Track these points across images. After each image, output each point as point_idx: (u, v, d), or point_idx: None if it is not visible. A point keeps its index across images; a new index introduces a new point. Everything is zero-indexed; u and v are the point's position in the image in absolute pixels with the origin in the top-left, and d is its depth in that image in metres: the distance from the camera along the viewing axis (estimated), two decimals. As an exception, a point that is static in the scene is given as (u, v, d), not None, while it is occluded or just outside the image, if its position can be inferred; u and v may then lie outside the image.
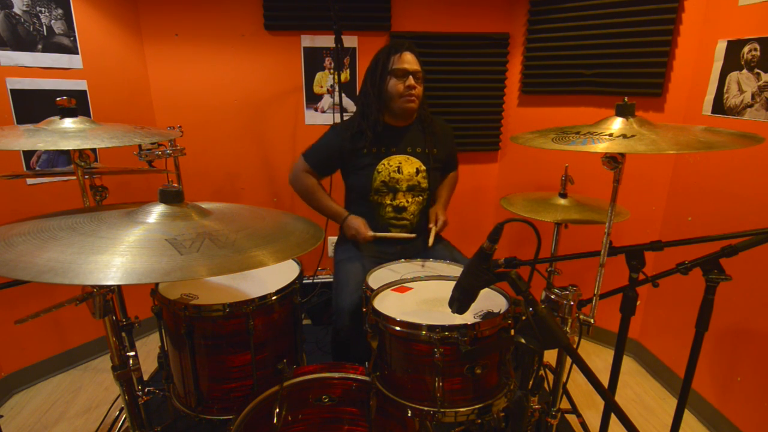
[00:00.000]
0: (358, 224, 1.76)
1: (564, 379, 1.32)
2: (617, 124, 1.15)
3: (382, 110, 1.77)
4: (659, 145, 1.00)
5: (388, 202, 1.80)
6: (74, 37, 2.09)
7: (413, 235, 1.79)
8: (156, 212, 0.91)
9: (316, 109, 2.64)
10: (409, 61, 1.72)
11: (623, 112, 1.16)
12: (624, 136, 1.07)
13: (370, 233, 1.73)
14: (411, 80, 1.71)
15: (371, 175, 1.78)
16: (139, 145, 1.65)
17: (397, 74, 1.72)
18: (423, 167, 1.83)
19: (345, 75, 2.59)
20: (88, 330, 2.32)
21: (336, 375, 1.30)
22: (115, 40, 2.29)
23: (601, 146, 1.04)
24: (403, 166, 1.80)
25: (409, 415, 1.16)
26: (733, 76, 1.72)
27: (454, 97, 2.65)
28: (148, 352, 2.40)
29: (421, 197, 1.85)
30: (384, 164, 1.78)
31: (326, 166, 1.87)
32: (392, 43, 1.79)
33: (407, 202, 1.82)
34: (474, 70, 2.62)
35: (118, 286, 1.55)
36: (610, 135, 1.09)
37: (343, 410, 1.32)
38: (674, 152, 0.98)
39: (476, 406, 1.15)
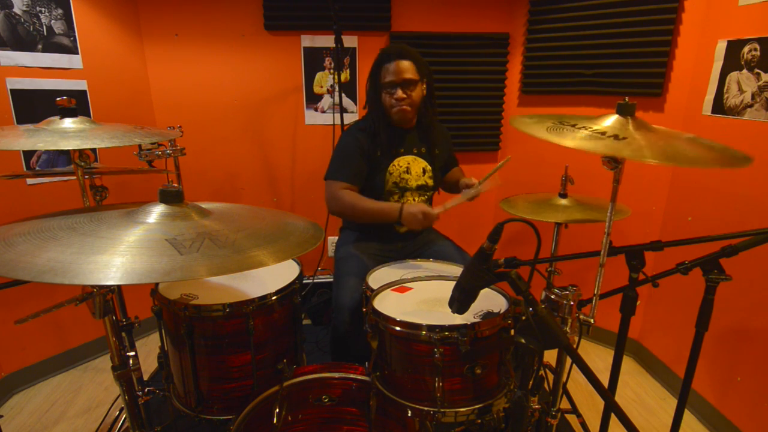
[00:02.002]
0: (420, 208, 1.60)
1: (564, 379, 1.32)
2: (614, 122, 1.13)
3: (385, 117, 1.77)
4: (641, 153, 0.98)
5: (396, 200, 1.81)
6: (74, 37, 2.09)
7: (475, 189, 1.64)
8: (156, 212, 0.91)
9: (316, 109, 2.64)
10: (397, 71, 1.67)
11: (624, 111, 1.15)
12: (616, 136, 1.05)
13: (437, 210, 1.59)
14: (399, 93, 1.68)
15: (384, 177, 1.78)
16: (139, 145, 1.65)
17: (385, 88, 1.71)
18: (429, 167, 1.85)
19: (345, 75, 2.59)
20: (88, 330, 2.32)
21: (336, 375, 1.30)
22: (115, 40, 2.29)
23: (574, 143, 1.01)
24: (412, 167, 1.81)
25: (409, 415, 1.16)
26: (733, 76, 1.72)
27: (454, 97, 2.65)
28: (148, 352, 2.40)
29: (426, 196, 1.87)
30: (395, 165, 1.79)
31: (360, 170, 1.74)
32: (381, 53, 1.73)
33: (414, 200, 1.82)
34: (474, 70, 2.62)
35: (118, 286, 1.55)
36: (603, 133, 1.07)
37: (343, 410, 1.32)
38: (655, 163, 0.97)
39: (476, 406, 1.15)
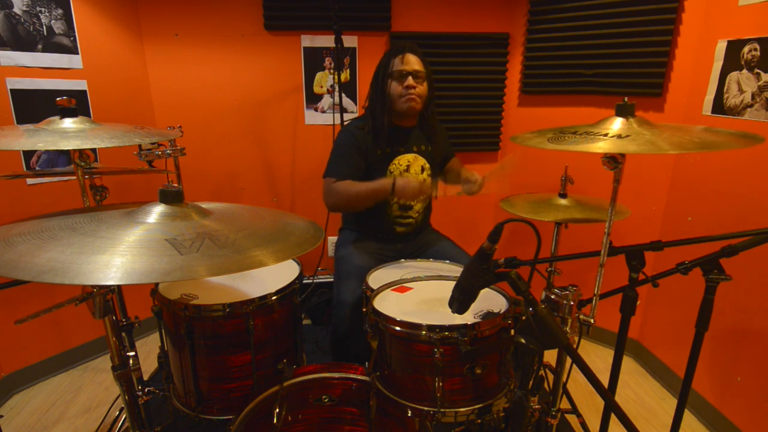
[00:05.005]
0: (411, 180, 1.61)
1: (564, 379, 1.32)
2: (616, 124, 1.15)
3: (388, 113, 1.77)
4: (658, 145, 1.00)
5: (395, 200, 1.81)
6: (74, 37, 2.09)
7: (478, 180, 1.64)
8: (156, 212, 0.91)
9: (316, 109, 2.64)
10: (409, 62, 1.72)
11: (623, 112, 1.16)
12: (619, 136, 1.06)
13: (436, 191, 1.59)
14: (410, 80, 1.71)
15: (385, 175, 1.78)
16: (139, 145, 1.65)
17: (395, 76, 1.72)
18: (428, 165, 1.86)
19: (345, 75, 2.58)
20: (88, 330, 2.32)
21: (336, 375, 1.30)
22: (115, 40, 2.29)
23: (598, 145, 1.04)
24: (412, 165, 1.82)
25: (409, 415, 1.16)
26: (733, 76, 1.72)
27: (454, 97, 2.65)
28: (148, 352, 2.40)
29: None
30: (395, 164, 1.80)
31: (356, 166, 1.75)
32: (393, 46, 1.79)
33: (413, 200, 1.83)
34: (474, 70, 2.62)
35: (118, 286, 1.55)
36: (606, 135, 1.08)
37: (343, 410, 1.32)
38: (673, 152, 0.98)
39: (476, 406, 1.15)
